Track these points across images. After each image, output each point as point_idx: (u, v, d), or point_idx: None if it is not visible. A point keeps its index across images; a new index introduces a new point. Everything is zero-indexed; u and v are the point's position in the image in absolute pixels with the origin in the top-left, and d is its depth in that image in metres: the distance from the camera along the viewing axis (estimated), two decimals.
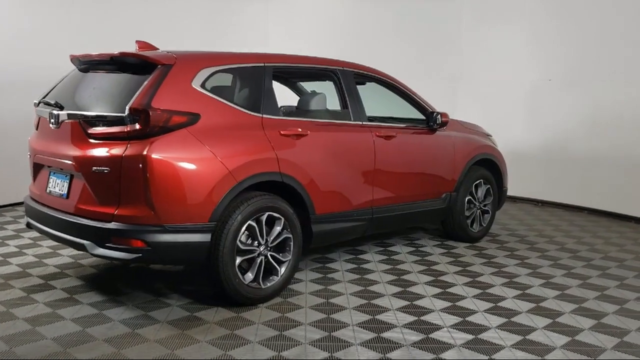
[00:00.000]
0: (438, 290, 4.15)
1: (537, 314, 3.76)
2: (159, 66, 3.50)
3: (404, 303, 3.89)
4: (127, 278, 4.31)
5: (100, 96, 3.67)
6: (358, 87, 5.13)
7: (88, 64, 3.91)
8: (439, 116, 4.94)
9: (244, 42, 7.99)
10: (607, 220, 6.87)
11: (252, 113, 3.79)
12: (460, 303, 3.91)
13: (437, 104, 8.15)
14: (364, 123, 4.47)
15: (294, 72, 4.96)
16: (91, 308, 3.68)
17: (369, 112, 5.67)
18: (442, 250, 5.24)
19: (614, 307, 3.91)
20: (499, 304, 3.91)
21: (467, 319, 3.65)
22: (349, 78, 4.49)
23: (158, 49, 4.02)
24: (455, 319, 3.64)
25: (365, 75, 4.73)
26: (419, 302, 3.91)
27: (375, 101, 5.35)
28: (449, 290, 4.16)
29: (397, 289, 4.15)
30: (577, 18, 7.17)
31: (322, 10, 8.81)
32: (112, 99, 3.54)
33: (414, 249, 5.25)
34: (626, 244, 5.68)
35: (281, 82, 5.44)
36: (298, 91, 5.54)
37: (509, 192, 7.93)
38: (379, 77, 4.83)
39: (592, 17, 7.02)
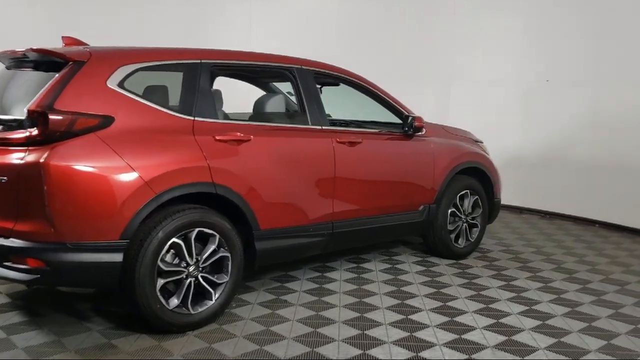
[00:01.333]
0: (399, 317, 3.66)
1: (506, 349, 3.24)
2: (70, 63, 3.12)
3: (355, 332, 3.42)
4: (56, 294, 3.94)
5: (12, 97, 3.32)
6: (331, 88, 4.71)
7: (13, 62, 3.56)
8: (412, 120, 4.45)
9: (225, 41, 7.61)
10: (619, 235, 6.25)
11: (182, 116, 3.37)
12: (419, 334, 3.42)
13: (431, 108, 7.70)
14: (323, 128, 4.01)
15: (240, 70, 4.44)
16: None
17: (346, 115, 5.24)
18: (419, 267, 4.73)
19: (598, 342, 3.37)
20: (464, 336, 3.40)
21: (420, 354, 3.16)
22: (308, 78, 4.04)
23: (87, 44, 3.64)
24: (408, 354, 3.15)
25: (327, 75, 4.27)
26: (372, 332, 3.43)
27: (357, 104, 4.90)
28: (412, 317, 3.67)
29: (353, 315, 3.68)
30: (577, 14, 6.60)
31: (307, 10, 8.38)
32: (19, 100, 3.18)
33: (389, 265, 4.76)
34: (633, 264, 5.08)
35: (251, 83, 5.03)
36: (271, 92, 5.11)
37: (514, 202, 7.43)
38: (345, 77, 4.37)
39: (594, 12, 6.44)
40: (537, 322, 3.63)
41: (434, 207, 4.76)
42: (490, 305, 3.91)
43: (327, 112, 5.53)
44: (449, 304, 3.92)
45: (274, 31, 8.08)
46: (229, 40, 7.79)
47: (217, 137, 3.42)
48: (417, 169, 4.60)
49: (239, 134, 3.51)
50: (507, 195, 7.38)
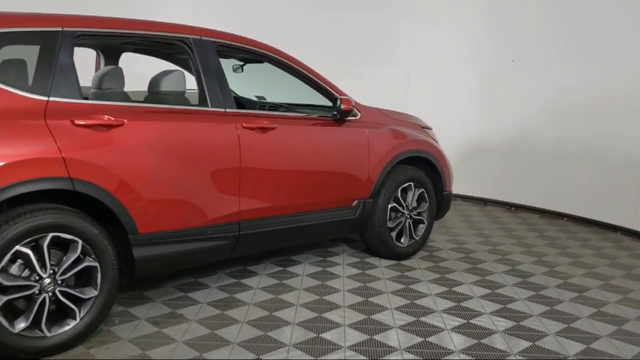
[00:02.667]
0: (310, 336, 3.08)
1: None
2: None
3: (251, 356, 2.84)
4: None
5: None
6: (257, 65, 4.10)
7: None
8: (339, 102, 3.84)
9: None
10: (588, 230, 5.70)
11: (32, 96, 2.75)
12: (329, 356, 2.85)
13: (390, 93, 7.12)
14: (227, 111, 3.40)
15: (116, 41, 3.70)
16: None
17: (287, 99, 4.64)
18: (353, 271, 4.16)
19: None
20: (384, 359, 2.84)
21: None
22: (208, 51, 3.42)
23: None
24: None
25: (235, 48, 3.65)
26: (270, 356, 2.85)
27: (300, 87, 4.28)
28: (324, 335, 3.09)
29: (255, 332, 3.10)
30: None
31: None
32: None
33: (319, 268, 4.18)
34: (597, 265, 4.53)
35: (164, 59, 4.38)
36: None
37: (477, 194, 6.86)
38: (261, 51, 3.74)
39: None
40: (472, 342, 3.07)
41: (371, 202, 4.18)
42: (421, 319, 3.34)
43: (260, 94, 5.07)
44: (374, 317, 3.35)
45: (216, 7, 7.40)
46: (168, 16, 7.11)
47: (77, 122, 2.80)
48: (348, 159, 4.00)
49: (106, 117, 2.89)
50: (470, 187, 6.85)
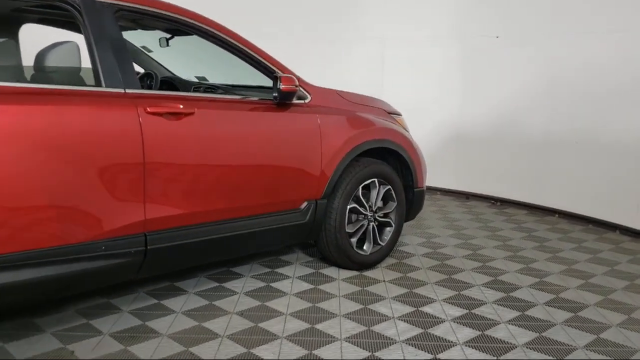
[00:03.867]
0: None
1: None
2: None
3: None
4: None
5: None
6: (184, 38, 3.37)
7: None
8: (278, 81, 3.10)
9: None
10: (583, 228, 5.04)
11: None
12: None
13: (363, 75, 6.41)
14: (127, 91, 2.65)
15: None
16: None
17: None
18: (305, 286, 3.46)
19: None
20: None
21: None
22: (103, 16, 2.67)
23: None
24: None
25: (144, 14, 2.89)
26: None
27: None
28: None
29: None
30: None
31: None
32: None
33: (263, 283, 3.47)
34: (595, 273, 3.85)
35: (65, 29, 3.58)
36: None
37: (459, 187, 6.17)
38: (182, 19, 2.98)
39: None
40: None
41: (324, 203, 3.47)
42: (377, 354, 2.64)
43: (203, 75, 4.32)
44: (318, 351, 2.65)
45: None
46: None
47: None
48: (294, 151, 3.28)
49: None
50: (451, 179, 6.17)
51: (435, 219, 5.21)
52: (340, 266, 3.75)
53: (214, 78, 4.35)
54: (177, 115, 2.76)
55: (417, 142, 4.13)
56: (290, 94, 3.14)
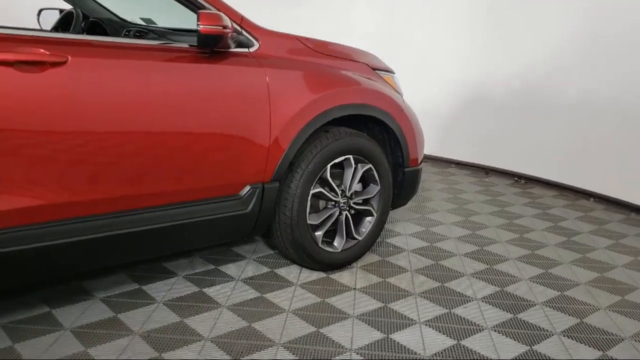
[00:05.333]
0: None
1: None
2: None
3: None
4: None
5: None
6: None
7: None
8: (197, 20, 2.23)
9: None
10: (625, 219, 4.13)
11: None
12: None
13: (370, 19, 5.44)
14: None
15: None
16: None
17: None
18: (249, 293, 2.67)
19: None
20: None
21: None
22: None
23: None
24: None
25: None
26: None
27: None
28: None
29: None
30: None
31: None
32: None
33: (197, 288, 2.69)
34: (632, 286, 2.94)
35: None
36: None
37: (478, 160, 5.24)
38: None
39: None
40: None
41: (275, 187, 2.63)
42: None
43: (149, 17, 3.50)
44: None
45: None
46: None
47: None
48: (227, 119, 2.44)
49: None
50: (468, 150, 5.25)
51: (441, 200, 4.33)
52: (306, 265, 2.94)
53: (167, 21, 3.50)
54: (38, 65, 1.93)
55: (412, 108, 3.22)
56: (213, 38, 2.26)
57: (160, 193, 2.28)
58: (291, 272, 2.92)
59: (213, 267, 2.93)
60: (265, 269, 2.93)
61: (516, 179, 5.04)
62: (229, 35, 2.30)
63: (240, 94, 2.43)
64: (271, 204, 2.63)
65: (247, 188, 2.54)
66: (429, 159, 5.61)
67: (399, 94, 3.18)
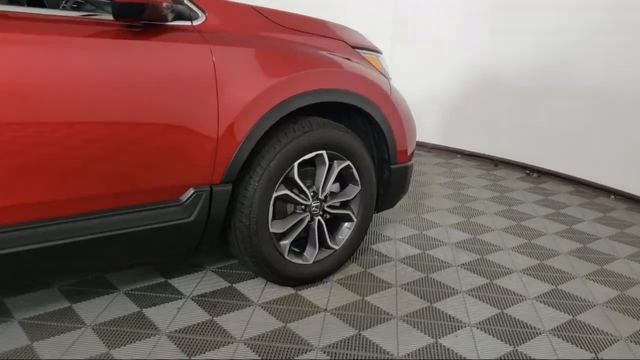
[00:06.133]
0: None
1: None
2: None
3: None
4: None
5: None
6: None
7: None
8: None
9: None
10: (628, 209, 3.61)
11: None
12: None
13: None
14: None
15: None
16: None
17: None
18: (199, 316, 2.24)
19: None
20: None
21: None
22: None
23: None
24: None
25: None
26: None
27: None
28: None
29: None
30: None
31: None
32: None
33: (137, 308, 2.28)
34: None
35: None
36: None
37: (487, 150, 4.74)
38: None
39: None
40: None
41: (225, 190, 2.17)
42: None
43: None
44: None
45: None
46: None
47: None
48: (162, 107, 1.98)
49: None
50: (476, 139, 4.76)
51: (441, 197, 3.85)
52: (271, 279, 2.50)
53: None
54: None
55: (401, 94, 2.74)
56: (134, 8, 1.80)
57: (71, 200, 1.85)
58: (254, 287, 2.48)
59: (162, 279, 2.50)
60: (223, 283, 2.50)
61: (528, 172, 4.54)
62: (161, 4, 1.84)
63: (177, 77, 1.98)
64: (222, 210, 2.18)
65: (190, 192, 2.09)
66: (432, 148, 5.13)
67: (386, 77, 2.69)
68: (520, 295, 2.51)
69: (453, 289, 2.54)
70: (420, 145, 5.11)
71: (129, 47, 1.89)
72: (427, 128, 4.95)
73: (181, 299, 2.34)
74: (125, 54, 1.88)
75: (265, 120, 2.18)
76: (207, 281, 2.50)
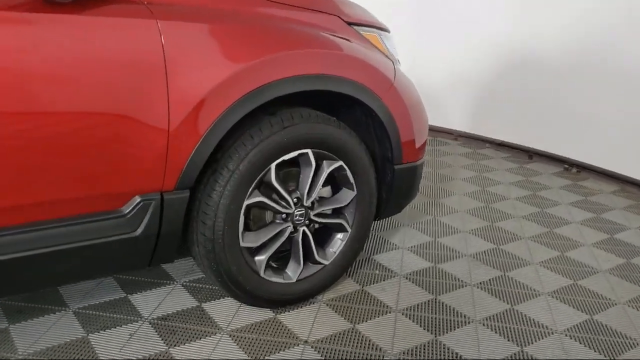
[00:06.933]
0: None
1: None
2: None
3: None
4: None
5: None
6: None
7: None
8: None
9: None
10: None
11: None
12: None
13: None
14: None
15: None
16: None
17: None
18: (156, 346, 1.86)
19: None
20: None
21: None
22: None
23: None
24: None
25: None
26: None
27: None
28: None
29: None
30: None
31: None
32: None
33: (79, 334, 1.92)
34: None
35: None
36: None
37: (522, 141, 4.24)
38: None
39: None
40: None
41: (180, 197, 1.78)
42: None
43: None
44: None
45: None
46: None
47: None
48: (93, 97, 1.59)
49: None
50: (508, 128, 4.27)
51: (463, 195, 3.39)
52: (247, 302, 2.12)
53: None
54: None
55: (409, 80, 2.29)
56: None
57: None
58: (226, 307, 2.11)
59: (123, 294, 2.14)
60: (191, 302, 2.13)
61: (566, 166, 4.03)
62: None
63: (115, 59, 1.58)
64: (176, 222, 1.80)
65: (136, 200, 1.70)
66: (459, 136, 4.63)
67: (391, 60, 2.24)
68: (546, 327, 2.07)
69: (466, 317, 2.12)
70: (447, 133, 4.64)
71: (51, 23, 1.50)
72: (453, 114, 4.47)
73: (137, 322, 1.98)
74: (46, 32, 1.49)
75: (233, 112, 1.77)
76: (172, 298, 2.13)
